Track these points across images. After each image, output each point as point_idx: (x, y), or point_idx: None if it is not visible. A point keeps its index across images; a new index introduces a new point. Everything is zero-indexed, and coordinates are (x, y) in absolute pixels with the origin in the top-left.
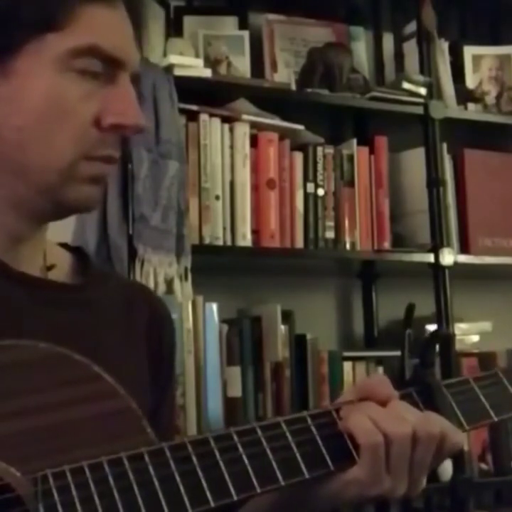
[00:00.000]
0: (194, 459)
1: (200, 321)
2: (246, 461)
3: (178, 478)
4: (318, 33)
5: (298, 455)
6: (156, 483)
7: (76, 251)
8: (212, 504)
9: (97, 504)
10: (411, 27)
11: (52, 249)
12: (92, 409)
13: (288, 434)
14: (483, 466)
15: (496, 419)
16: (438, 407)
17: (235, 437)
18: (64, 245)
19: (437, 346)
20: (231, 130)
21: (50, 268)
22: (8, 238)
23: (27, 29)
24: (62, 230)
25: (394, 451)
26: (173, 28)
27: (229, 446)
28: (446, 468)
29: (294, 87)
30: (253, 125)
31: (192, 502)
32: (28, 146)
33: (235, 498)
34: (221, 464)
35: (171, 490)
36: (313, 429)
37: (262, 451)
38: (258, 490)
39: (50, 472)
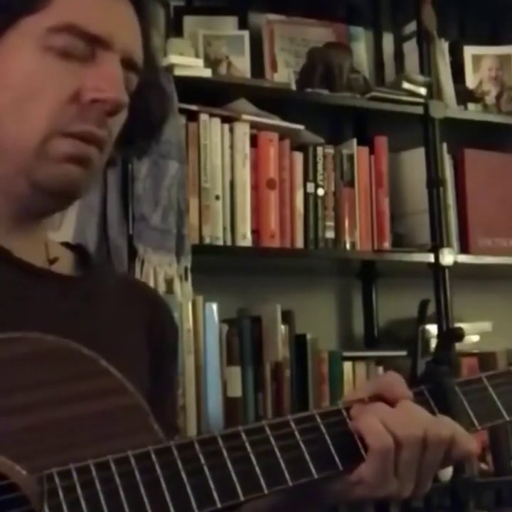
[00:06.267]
0: (201, 458)
1: (200, 321)
2: (254, 460)
3: (184, 478)
4: (318, 33)
5: (306, 455)
6: (163, 483)
7: (76, 248)
8: (218, 505)
9: (103, 504)
10: (411, 27)
11: (54, 245)
12: (99, 405)
13: (296, 432)
14: (483, 466)
15: (508, 418)
16: (449, 406)
17: (244, 436)
18: (65, 244)
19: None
20: (231, 130)
21: (53, 261)
22: (3, 225)
23: (6, 12)
24: (62, 231)
25: (403, 455)
26: (173, 28)
27: (237, 445)
28: (446, 469)
29: (294, 87)
30: (253, 125)
31: (198, 502)
32: (4, 123)
33: (242, 498)
34: (228, 463)
35: (178, 490)
36: (323, 427)
37: (270, 450)
38: (265, 491)
39: (55, 471)
